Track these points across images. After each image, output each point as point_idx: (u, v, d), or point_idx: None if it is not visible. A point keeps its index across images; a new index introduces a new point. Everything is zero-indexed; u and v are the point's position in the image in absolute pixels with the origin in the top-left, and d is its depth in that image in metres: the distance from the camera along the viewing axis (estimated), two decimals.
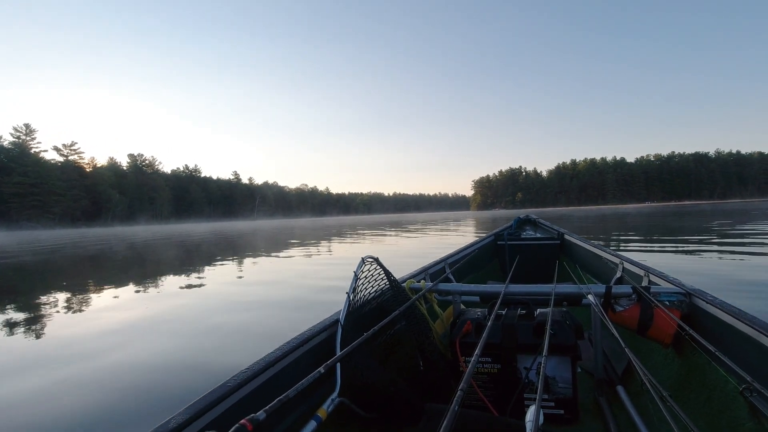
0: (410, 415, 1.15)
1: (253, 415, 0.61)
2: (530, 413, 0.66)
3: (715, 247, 7.23)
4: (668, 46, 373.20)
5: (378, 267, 1.65)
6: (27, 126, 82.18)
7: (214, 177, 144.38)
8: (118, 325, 3.54)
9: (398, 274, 1.91)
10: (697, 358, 1.34)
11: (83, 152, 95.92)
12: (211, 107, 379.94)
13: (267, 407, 0.63)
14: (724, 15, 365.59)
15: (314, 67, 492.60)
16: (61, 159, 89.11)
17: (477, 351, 0.82)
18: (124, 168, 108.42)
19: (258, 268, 7.38)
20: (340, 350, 1.26)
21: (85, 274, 7.87)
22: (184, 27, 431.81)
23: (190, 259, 9.93)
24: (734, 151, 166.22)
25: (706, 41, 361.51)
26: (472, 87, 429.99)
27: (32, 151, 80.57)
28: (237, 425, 0.59)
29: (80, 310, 4.27)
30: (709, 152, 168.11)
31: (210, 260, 9.14)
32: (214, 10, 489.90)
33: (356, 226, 29.45)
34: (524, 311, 1.42)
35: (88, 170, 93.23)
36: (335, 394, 1.18)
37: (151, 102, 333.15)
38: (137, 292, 5.33)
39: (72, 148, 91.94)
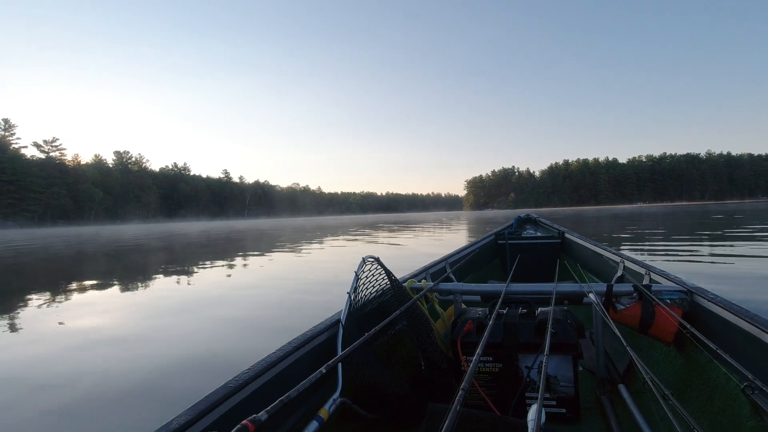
0: (412, 415, 1.16)
1: (254, 415, 0.62)
2: (532, 412, 0.66)
3: None
4: (660, 48, 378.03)
5: (379, 267, 1.65)
6: (6, 121, 79.51)
7: (204, 176, 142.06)
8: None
9: (398, 274, 1.90)
10: (699, 356, 1.34)
11: (65, 149, 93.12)
12: (202, 106, 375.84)
13: (269, 408, 0.63)
14: (716, 17, 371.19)
15: (307, 66, 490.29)
16: (42, 156, 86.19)
17: (478, 350, 0.82)
18: (110, 165, 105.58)
19: (255, 270, 6.98)
20: (342, 350, 1.25)
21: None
22: (176, 24, 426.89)
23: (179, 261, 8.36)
24: (725, 153, 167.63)
25: (698, 44, 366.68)
26: (465, 87, 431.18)
27: (11, 147, 77.71)
28: (239, 426, 0.59)
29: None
30: (700, 153, 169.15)
31: (203, 264, 7.93)
32: (205, 7, 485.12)
33: (330, 227, 27.97)
34: (525, 310, 1.42)
35: (70, 167, 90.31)
36: (337, 394, 1.18)
37: (142, 100, 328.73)
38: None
39: (53, 144, 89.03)
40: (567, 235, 3.81)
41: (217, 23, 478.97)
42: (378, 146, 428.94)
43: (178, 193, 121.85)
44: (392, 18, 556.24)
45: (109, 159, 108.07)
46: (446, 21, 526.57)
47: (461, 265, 2.78)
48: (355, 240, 13.81)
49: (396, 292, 1.66)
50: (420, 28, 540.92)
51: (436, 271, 2.43)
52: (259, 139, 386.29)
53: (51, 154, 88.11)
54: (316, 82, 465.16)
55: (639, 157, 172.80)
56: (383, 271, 1.66)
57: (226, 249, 11.93)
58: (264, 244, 13.24)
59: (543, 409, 0.62)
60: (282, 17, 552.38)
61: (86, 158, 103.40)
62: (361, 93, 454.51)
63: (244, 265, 7.82)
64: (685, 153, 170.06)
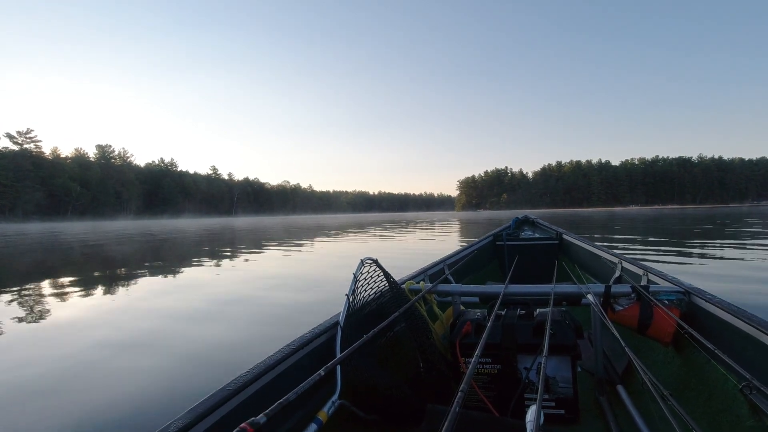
0: (411, 417, 1.15)
1: (253, 418, 0.61)
2: (531, 413, 0.66)
3: None
4: (653, 51, 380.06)
5: (377, 269, 1.65)
6: None
7: (191, 172, 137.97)
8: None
9: (396, 276, 1.89)
10: (697, 356, 1.35)
11: (41, 141, 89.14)
12: (198, 103, 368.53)
13: (267, 411, 0.63)
14: (710, 20, 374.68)
15: (301, 65, 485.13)
16: (15, 147, 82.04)
17: (477, 352, 0.82)
18: (91, 159, 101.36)
19: (242, 271, 6.47)
20: (340, 352, 1.26)
21: None
22: (169, 18, 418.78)
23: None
24: (716, 157, 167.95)
25: (692, 47, 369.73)
26: (458, 87, 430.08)
27: None
28: (237, 429, 0.59)
29: None
30: (692, 157, 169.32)
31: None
32: (202, 2, 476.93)
33: (321, 227, 25.53)
34: (524, 311, 1.42)
35: (48, 160, 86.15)
36: (335, 396, 1.18)
37: (133, 96, 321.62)
38: None
39: (28, 135, 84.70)
40: (565, 237, 3.80)
41: (205, 17, 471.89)
42: (371, 146, 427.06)
43: (163, 190, 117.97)
44: (387, 16, 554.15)
45: (91, 153, 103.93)
46: (440, 21, 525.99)
47: (459, 266, 2.74)
48: (346, 241, 12.51)
49: (394, 293, 1.65)
50: (414, 27, 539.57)
51: (435, 272, 2.42)
52: (256, 138, 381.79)
53: (25, 146, 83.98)
54: (307, 80, 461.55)
55: (631, 159, 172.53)
56: (381, 273, 1.64)
57: (188, 253, 9.47)
58: (253, 243, 12.23)
59: (542, 410, 0.62)
60: (278, 13, 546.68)
61: (69, 152, 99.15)
62: (354, 92, 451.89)
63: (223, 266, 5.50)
64: (677, 156, 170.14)
